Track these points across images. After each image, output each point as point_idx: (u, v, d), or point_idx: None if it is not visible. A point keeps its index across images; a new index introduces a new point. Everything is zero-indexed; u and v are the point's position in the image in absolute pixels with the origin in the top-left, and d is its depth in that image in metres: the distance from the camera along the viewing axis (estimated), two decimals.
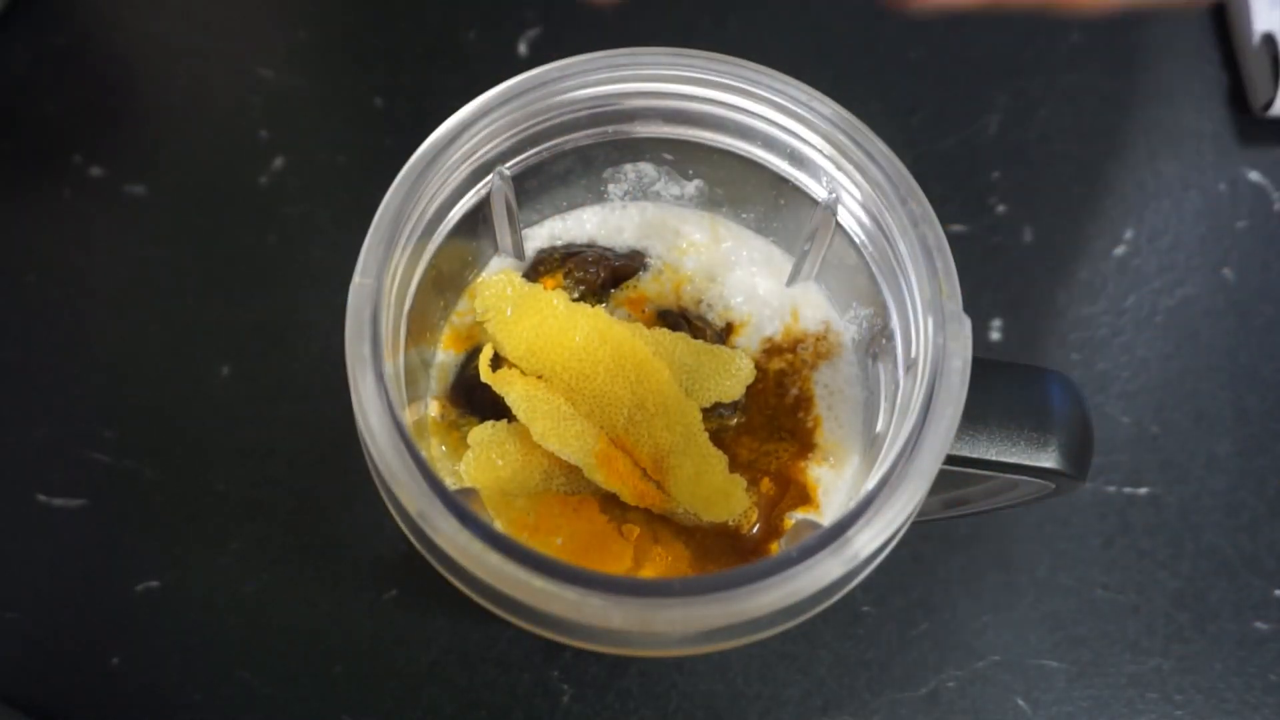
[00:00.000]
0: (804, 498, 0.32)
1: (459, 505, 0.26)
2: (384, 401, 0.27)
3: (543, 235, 0.36)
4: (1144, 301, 0.42)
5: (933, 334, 0.28)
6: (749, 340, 0.34)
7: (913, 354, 0.29)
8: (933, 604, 0.36)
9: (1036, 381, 0.30)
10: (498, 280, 0.34)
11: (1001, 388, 0.29)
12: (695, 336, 0.33)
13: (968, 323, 0.27)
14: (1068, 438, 0.28)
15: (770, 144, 0.32)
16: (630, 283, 0.35)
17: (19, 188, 0.42)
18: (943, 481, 0.27)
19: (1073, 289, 0.42)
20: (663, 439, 0.31)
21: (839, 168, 0.31)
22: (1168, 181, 0.44)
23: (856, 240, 0.31)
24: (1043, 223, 0.43)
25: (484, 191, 0.32)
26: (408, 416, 0.30)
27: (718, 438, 0.32)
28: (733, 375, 0.32)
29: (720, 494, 0.31)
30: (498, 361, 0.33)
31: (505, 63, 0.44)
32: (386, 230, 0.29)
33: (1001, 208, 0.43)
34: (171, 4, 0.45)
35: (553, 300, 0.33)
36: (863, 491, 0.29)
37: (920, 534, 0.37)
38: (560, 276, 0.35)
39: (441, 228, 0.32)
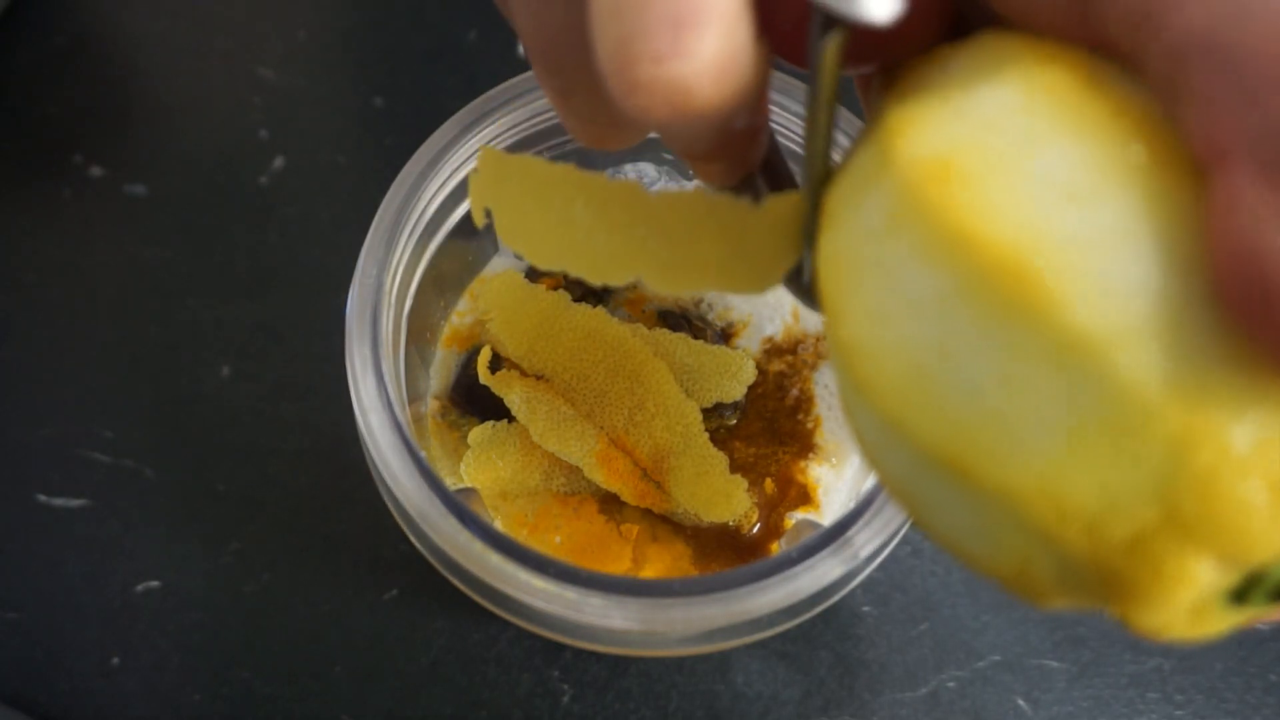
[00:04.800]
0: (804, 498, 0.32)
1: (459, 505, 0.26)
2: (384, 401, 0.27)
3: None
4: None
5: None
6: (749, 341, 0.34)
7: None
8: (933, 604, 0.36)
9: None
10: (499, 280, 0.34)
11: None
12: (696, 337, 0.33)
13: None
14: None
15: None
16: (630, 283, 0.35)
17: (19, 188, 0.42)
18: None
19: None
20: (663, 439, 0.31)
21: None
22: None
23: None
24: None
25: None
26: (408, 416, 0.30)
27: (718, 438, 0.32)
28: (734, 376, 0.32)
29: (720, 495, 0.31)
30: (498, 362, 0.33)
31: (505, 63, 0.44)
32: (386, 230, 0.29)
33: None
34: (171, 4, 0.45)
35: (553, 300, 0.33)
36: (863, 491, 0.29)
37: (920, 533, 0.37)
38: (560, 276, 0.35)
39: (442, 228, 0.32)
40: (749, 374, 0.32)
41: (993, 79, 0.15)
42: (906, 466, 0.16)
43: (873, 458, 0.17)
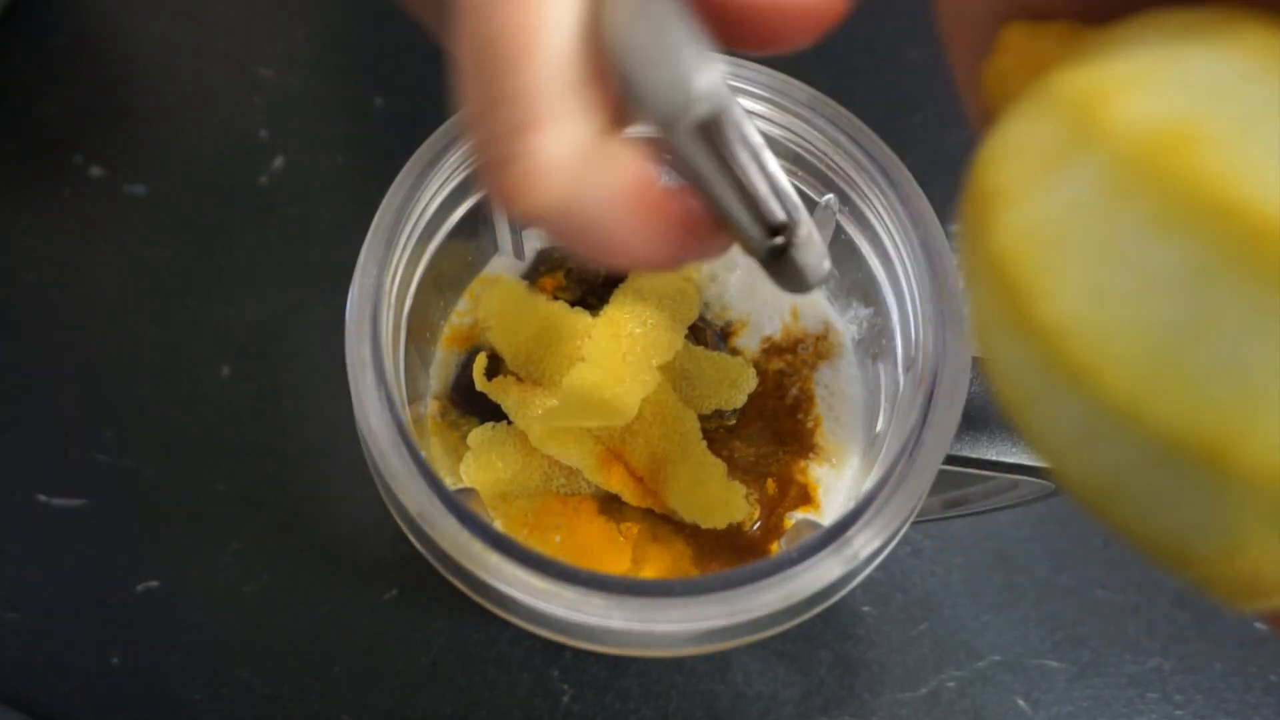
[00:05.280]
0: (804, 498, 0.32)
1: (459, 505, 0.26)
2: (384, 401, 0.27)
3: (542, 235, 0.36)
4: None
5: (933, 334, 0.28)
6: (749, 340, 0.34)
7: (912, 354, 0.29)
8: (933, 604, 0.36)
9: None
10: (498, 289, 0.34)
11: None
12: (696, 337, 0.33)
13: (968, 323, 0.27)
14: None
15: (770, 144, 0.32)
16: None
17: (19, 188, 0.42)
18: (943, 481, 0.27)
19: None
20: (660, 447, 0.31)
21: (839, 168, 0.31)
22: None
23: (856, 240, 0.31)
24: None
25: (484, 191, 0.32)
26: (408, 416, 0.30)
27: (717, 438, 0.32)
28: (734, 384, 0.32)
29: (718, 502, 0.31)
30: (497, 362, 0.33)
31: None
32: (386, 230, 0.29)
33: None
34: (171, 4, 0.45)
35: (552, 308, 0.33)
36: (863, 491, 0.29)
37: (920, 534, 0.37)
38: (560, 276, 0.35)
39: (442, 228, 0.32)
40: (750, 382, 0.32)
41: (1206, 47, 0.14)
42: (1129, 460, 0.14)
43: (1069, 456, 0.15)
